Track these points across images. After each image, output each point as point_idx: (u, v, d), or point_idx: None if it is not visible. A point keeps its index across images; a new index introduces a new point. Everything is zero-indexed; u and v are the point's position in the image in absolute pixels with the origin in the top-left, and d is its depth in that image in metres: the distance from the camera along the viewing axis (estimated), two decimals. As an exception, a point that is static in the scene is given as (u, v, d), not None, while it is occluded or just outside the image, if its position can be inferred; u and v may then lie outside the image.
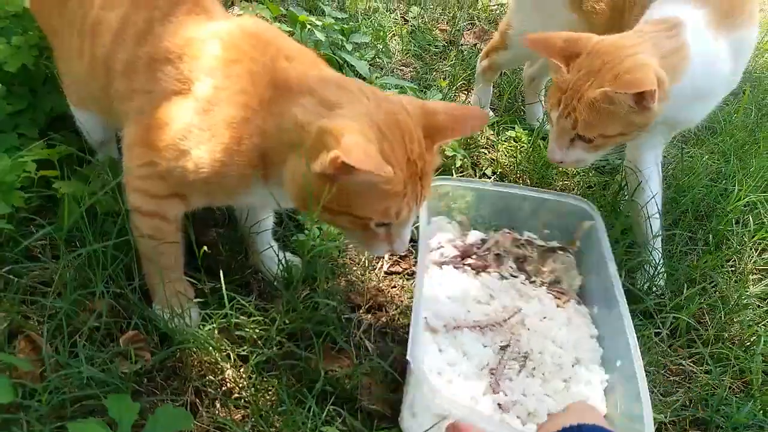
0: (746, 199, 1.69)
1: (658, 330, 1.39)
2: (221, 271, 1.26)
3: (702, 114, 1.57)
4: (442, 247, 1.61)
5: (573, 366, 1.32)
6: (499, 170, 2.01)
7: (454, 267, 1.55)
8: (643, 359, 1.32)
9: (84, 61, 1.33)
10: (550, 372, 1.30)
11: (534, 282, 1.55)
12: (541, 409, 1.22)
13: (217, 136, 1.11)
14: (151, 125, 1.16)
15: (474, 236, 1.64)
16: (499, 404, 1.23)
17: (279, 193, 1.16)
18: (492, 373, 1.28)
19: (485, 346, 1.34)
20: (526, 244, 1.62)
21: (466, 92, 2.47)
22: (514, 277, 1.56)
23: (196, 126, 1.12)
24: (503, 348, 1.34)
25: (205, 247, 1.31)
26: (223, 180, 1.14)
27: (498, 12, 3.15)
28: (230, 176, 1.13)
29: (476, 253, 1.60)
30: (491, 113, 2.31)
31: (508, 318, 1.40)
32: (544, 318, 1.43)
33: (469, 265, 1.56)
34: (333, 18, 2.31)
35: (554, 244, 1.64)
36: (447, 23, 2.99)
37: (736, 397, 1.29)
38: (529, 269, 1.57)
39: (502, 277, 1.54)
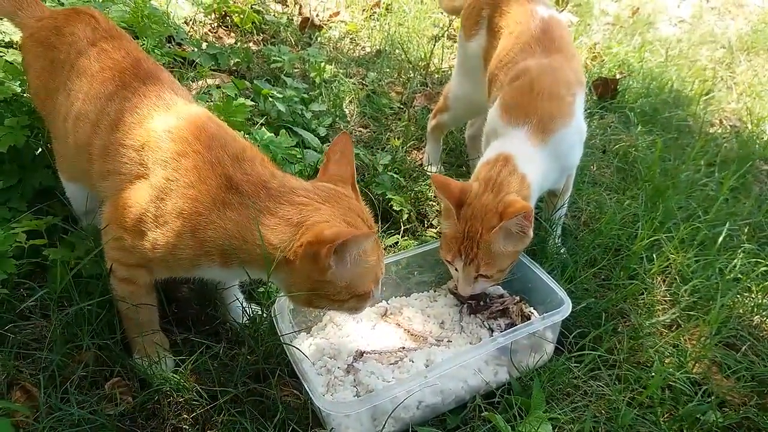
0: (651, 239, 1.95)
1: (577, 364, 1.61)
2: (192, 322, 1.45)
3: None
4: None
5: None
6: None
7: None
8: (558, 384, 1.54)
9: (69, 144, 1.53)
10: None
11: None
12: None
13: (170, 222, 1.28)
14: (119, 204, 1.35)
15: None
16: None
17: (238, 273, 1.33)
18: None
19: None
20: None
21: (417, 149, 2.72)
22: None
23: (152, 212, 1.29)
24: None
25: (174, 306, 1.48)
26: (178, 261, 1.31)
27: (449, 74, 3.45)
28: (185, 258, 1.31)
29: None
30: (441, 168, 2.57)
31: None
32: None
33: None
34: (294, 89, 2.56)
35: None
36: (402, 86, 3.28)
37: (628, 406, 1.51)
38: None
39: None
